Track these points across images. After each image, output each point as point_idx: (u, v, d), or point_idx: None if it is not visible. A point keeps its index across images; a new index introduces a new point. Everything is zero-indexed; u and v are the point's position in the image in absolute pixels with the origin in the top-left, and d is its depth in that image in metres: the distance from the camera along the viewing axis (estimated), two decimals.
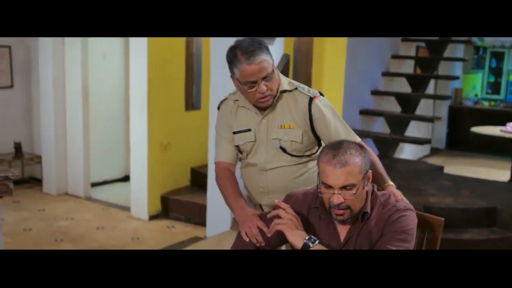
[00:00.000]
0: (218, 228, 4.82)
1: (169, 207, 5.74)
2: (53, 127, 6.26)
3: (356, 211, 1.95)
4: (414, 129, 7.59)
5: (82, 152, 6.28)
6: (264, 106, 2.35)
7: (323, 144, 2.48)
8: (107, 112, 6.84)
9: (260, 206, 2.51)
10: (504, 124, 7.19)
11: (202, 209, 5.27)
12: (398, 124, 6.69)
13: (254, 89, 2.25)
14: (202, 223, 5.32)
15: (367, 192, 2.00)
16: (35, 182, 6.71)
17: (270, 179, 2.43)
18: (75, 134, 6.29)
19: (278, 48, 4.99)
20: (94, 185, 6.62)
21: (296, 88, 2.39)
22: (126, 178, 7.05)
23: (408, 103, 6.87)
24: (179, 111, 5.94)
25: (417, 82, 7.18)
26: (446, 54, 8.04)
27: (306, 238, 1.89)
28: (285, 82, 2.40)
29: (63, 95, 6.28)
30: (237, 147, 2.46)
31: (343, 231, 2.01)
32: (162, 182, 5.80)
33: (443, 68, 8.80)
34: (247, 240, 2.14)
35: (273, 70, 2.28)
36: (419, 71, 7.84)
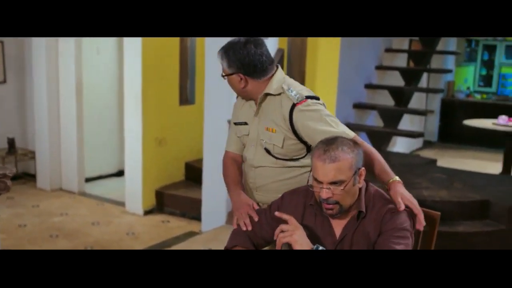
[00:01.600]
0: (214, 222, 4.84)
1: (164, 201, 5.75)
2: (46, 123, 6.25)
3: (346, 206, 1.97)
4: (407, 122, 7.63)
5: (76, 147, 6.27)
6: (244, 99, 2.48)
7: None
8: (101, 107, 6.83)
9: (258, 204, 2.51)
10: (496, 117, 7.25)
11: (197, 203, 5.28)
12: (391, 117, 6.72)
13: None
14: (196, 217, 5.34)
15: (360, 189, 2.02)
16: (29, 177, 6.70)
17: (258, 176, 2.44)
18: (69, 129, 6.28)
19: (272, 42, 5.00)
20: (88, 180, 6.62)
21: (283, 92, 2.32)
22: (120, 173, 7.06)
23: (401, 96, 6.91)
24: (173, 106, 5.94)
25: (410, 76, 7.21)
26: (439, 47, 8.06)
27: (314, 247, 1.91)
28: (276, 85, 2.34)
29: (56, 90, 6.25)
30: (239, 137, 2.54)
31: (338, 227, 2.03)
32: (156, 177, 5.80)
33: (435, 61, 8.84)
34: (235, 226, 2.23)
35: (227, 74, 2.35)
36: (412, 64, 7.87)
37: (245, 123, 2.46)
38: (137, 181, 5.65)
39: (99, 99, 6.76)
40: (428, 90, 8.40)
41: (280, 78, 2.36)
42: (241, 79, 2.31)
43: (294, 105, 2.27)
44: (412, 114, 7.59)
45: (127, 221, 5.44)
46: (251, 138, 2.44)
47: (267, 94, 2.34)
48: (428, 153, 8.10)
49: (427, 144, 9.51)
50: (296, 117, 2.27)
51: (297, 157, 2.38)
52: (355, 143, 2.00)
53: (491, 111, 8.82)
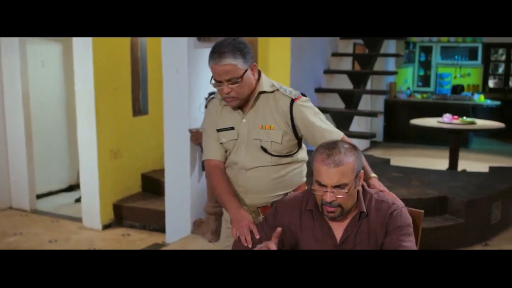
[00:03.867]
0: (179, 233, 4.78)
1: (122, 215, 5.63)
2: None
3: (347, 209, 2.01)
4: (354, 124, 7.80)
5: (26, 163, 6.03)
6: (230, 106, 2.39)
7: (303, 145, 2.53)
8: (49, 121, 6.62)
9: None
10: (437, 115, 7.54)
11: (157, 214, 5.21)
12: (343, 120, 6.86)
13: (220, 88, 2.30)
14: (157, 229, 5.26)
15: (358, 191, 2.06)
16: None
17: (250, 179, 2.42)
18: (17, 144, 6.04)
19: None
20: (38, 197, 6.38)
21: (277, 90, 2.40)
22: (70, 188, 6.86)
23: (351, 99, 7.06)
24: (127, 117, 5.83)
25: (358, 78, 7.39)
26: (381, 50, 8.31)
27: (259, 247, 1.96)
28: (267, 84, 2.41)
29: (1, 105, 6.01)
30: (221, 144, 2.48)
31: (338, 230, 2.06)
32: (113, 190, 5.67)
33: (378, 64, 9.08)
34: (236, 238, 2.19)
35: (242, 76, 2.26)
36: (357, 67, 8.07)
37: (231, 128, 2.43)
38: (93, 195, 5.50)
39: (46, 113, 6.55)
40: (375, 92, 8.63)
41: (266, 77, 2.43)
42: (252, 69, 2.32)
43: (293, 101, 2.36)
44: (360, 116, 7.77)
45: (86, 237, 5.28)
46: (240, 141, 2.41)
47: (261, 93, 2.38)
48: (376, 153, 8.30)
49: (374, 144, 9.76)
50: (295, 111, 2.36)
51: (291, 153, 2.44)
52: (354, 146, 2.04)
53: (432, 110, 9.18)
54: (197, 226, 4.76)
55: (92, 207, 5.52)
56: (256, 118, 2.39)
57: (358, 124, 8.27)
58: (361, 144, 8.78)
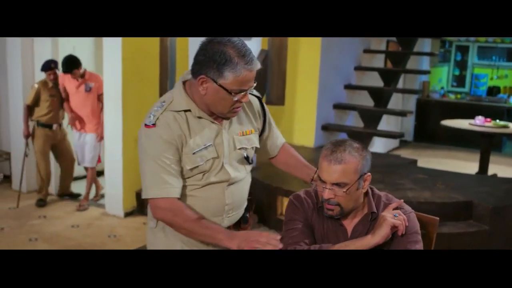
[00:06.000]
0: None
1: (144, 203, 5.66)
2: (22, 123, 6.08)
3: (347, 209, 1.98)
4: (384, 122, 7.69)
5: None
6: (233, 116, 2.04)
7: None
8: None
9: None
10: (470, 116, 7.37)
11: None
12: (371, 118, 6.77)
13: (238, 98, 1.92)
14: None
15: (367, 193, 2.04)
16: (4, 179, 6.53)
17: (235, 193, 2.12)
18: None
19: (256, 43, 4.97)
20: None
21: None
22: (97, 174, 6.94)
23: (381, 97, 6.96)
24: None
25: (389, 76, 7.27)
26: (415, 48, 8.16)
27: None
28: None
29: None
30: (192, 169, 2.01)
31: (349, 227, 2.05)
32: (136, 178, 5.68)
33: (411, 62, 8.93)
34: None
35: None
36: (390, 65, 7.94)
37: (209, 145, 2.01)
38: (117, 183, 5.55)
39: None
40: (406, 91, 8.49)
41: None
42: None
43: (260, 98, 2.22)
44: (390, 115, 7.66)
45: (108, 223, 5.34)
46: (222, 155, 2.05)
47: None
48: (405, 153, 8.18)
49: (404, 144, 9.62)
50: (266, 108, 2.25)
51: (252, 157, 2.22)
52: (362, 147, 2.00)
53: (465, 111, 8.99)
54: None
55: (115, 194, 5.57)
56: (233, 125, 2.09)
57: (388, 122, 8.16)
58: (389, 143, 8.67)
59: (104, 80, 5.54)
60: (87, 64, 6.69)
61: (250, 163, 2.17)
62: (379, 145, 7.90)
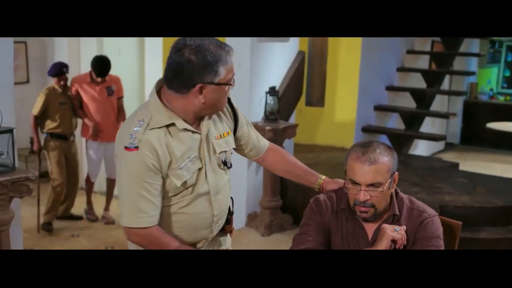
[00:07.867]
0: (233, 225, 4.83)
1: None
2: None
3: (380, 210, 1.99)
4: (428, 124, 7.56)
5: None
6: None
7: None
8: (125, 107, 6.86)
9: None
10: None
11: None
12: (413, 120, 6.67)
13: (232, 83, 1.94)
14: None
15: (392, 194, 2.04)
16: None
17: (221, 202, 2.08)
18: None
19: (293, 45, 4.98)
20: None
21: None
22: None
23: (423, 99, 6.85)
24: None
25: (433, 78, 7.14)
26: (462, 48, 7.97)
27: None
28: None
29: None
30: (181, 185, 1.94)
31: (370, 230, 2.04)
32: None
33: (458, 63, 8.73)
34: None
35: None
36: (434, 66, 7.79)
37: (194, 156, 1.96)
38: None
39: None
40: (450, 93, 8.32)
41: None
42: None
43: (229, 98, 2.11)
44: (434, 117, 7.51)
45: None
46: (205, 163, 2.00)
47: None
48: (450, 156, 8.01)
49: (449, 147, 9.40)
50: (236, 108, 2.17)
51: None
52: (389, 147, 2.01)
53: None
54: (251, 220, 4.80)
55: None
56: (210, 130, 2.03)
57: (432, 124, 8.01)
58: (434, 146, 8.50)
59: (146, 80, 5.66)
60: (132, 66, 6.87)
61: (229, 167, 2.11)
62: (422, 147, 7.76)
